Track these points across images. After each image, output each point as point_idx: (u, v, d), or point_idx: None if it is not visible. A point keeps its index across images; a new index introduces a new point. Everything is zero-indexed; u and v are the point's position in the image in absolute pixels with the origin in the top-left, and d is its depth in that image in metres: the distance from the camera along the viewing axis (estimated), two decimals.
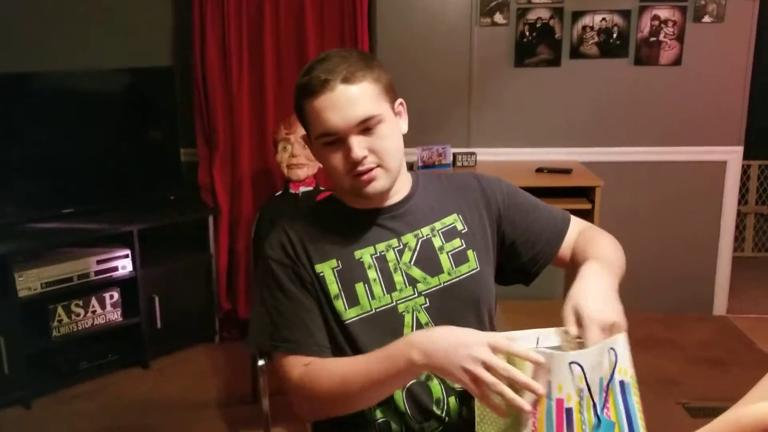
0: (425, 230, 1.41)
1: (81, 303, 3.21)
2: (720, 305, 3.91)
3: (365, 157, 1.29)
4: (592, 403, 1.13)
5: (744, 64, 3.64)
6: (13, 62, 3.38)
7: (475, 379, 1.08)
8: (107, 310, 3.29)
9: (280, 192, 3.16)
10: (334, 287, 1.34)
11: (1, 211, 3.16)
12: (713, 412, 3.18)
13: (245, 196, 3.61)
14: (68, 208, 3.30)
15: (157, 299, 3.37)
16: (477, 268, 1.41)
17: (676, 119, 3.70)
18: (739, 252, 4.64)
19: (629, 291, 4.14)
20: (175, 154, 3.63)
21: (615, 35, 3.60)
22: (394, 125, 1.36)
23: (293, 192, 3.06)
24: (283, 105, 3.51)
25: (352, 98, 1.28)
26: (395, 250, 1.38)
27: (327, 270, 1.35)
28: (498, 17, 3.59)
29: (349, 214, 1.41)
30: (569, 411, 1.13)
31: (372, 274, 1.35)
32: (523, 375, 1.08)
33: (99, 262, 3.23)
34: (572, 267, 1.46)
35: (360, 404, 1.29)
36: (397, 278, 1.36)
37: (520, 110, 3.71)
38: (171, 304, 3.44)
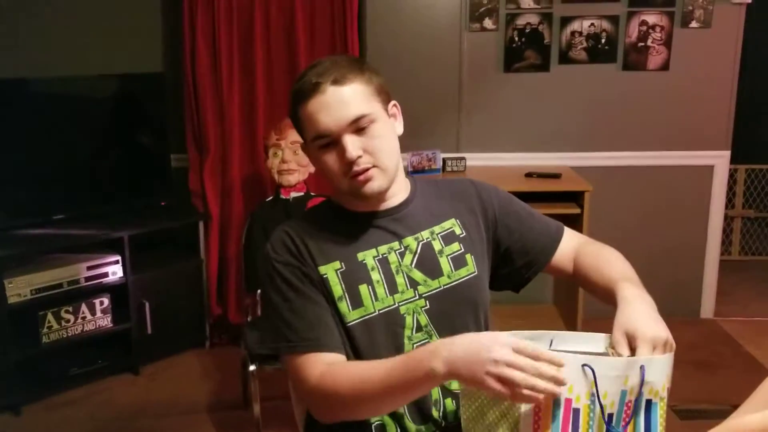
0: (425, 233, 1.43)
1: (71, 309, 3.20)
2: (707, 308, 3.94)
3: (360, 157, 1.31)
4: (601, 411, 1.14)
5: (731, 69, 3.68)
6: (3, 68, 3.37)
7: (503, 381, 1.06)
8: (97, 316, 3.28)
9: (270, 197, 3.17)
10: (338, 289, 1.34)
11: None
12: (701, 415, 3.23)
13: (236, 201, 3.61)
14: (58, 214, 3.30)
15: (147, 305, 3.37)
16: (475, 272, 1.43)
17: (663, 124, 3.73)
18: (726, 255, 4.68)
19: None
20: (165, 159, 3.63)
21: (603, 41, 3.63)
22: (388, 125, 1.37)
23: (284, 198, 3.07)
24: (273, 111, 3.52)
25: (343, 99, 1.30)
26: (397, 252, 1.39)
27: (330, 272, 1.35)
28: (487, 23, 3.62)
29: (348, 217, 1.43)
30: (576, 411, 1.14)
31: (375, 275, 1.36)
32: (550, 367, 1.07)
33: (89, 268, 3.22)
34: (578, 281, 1.49)
35: (379, 410, 1.29)
36: (399, 280, 1.37)
37: (510, 115, 3.73)
38: (161, 310, 3.44)
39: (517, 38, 3.63)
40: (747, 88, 4.44)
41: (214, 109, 3.53)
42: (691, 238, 3.87)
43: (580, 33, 3.62)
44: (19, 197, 3.23)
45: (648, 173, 3.78)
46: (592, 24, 3.61)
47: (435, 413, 1.36)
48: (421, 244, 1.41)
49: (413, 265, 1.39)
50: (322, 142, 1.32)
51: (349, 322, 1.34)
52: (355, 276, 1.36)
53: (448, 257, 1.42)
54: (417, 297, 1.38)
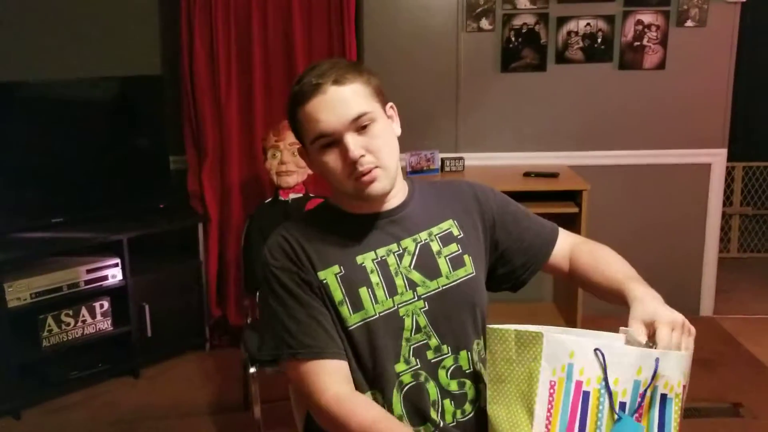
0: (423, 235, 1.43)
1: (71, 313, 3.20)
2: (706, 306, 3.95)
3: (363, 156, 1.30)
4: (609, 396, 1.17)
5: (726, 67, 3.69)
6: (1, 71, 3.37)
7: None
8: (97, 320, 3.28)
9: (269, 199, 3.17)
10: (338, 293, 1.35)
11: None
12: (701, 413, 3.24)
13: (234, 203, 3.62)
14: (57, 217, 3.29)
15: (147, 308, 3.37)
16: (473, 272, 1.44)
17: (660, 123, 3.74)
18: (724, 253, 4.69)
19: None
20: (164, 161, 3.63)
21: (599, 40, 3.64)
22: (388, 126, 1.38)
23: (283, 199, 3.07)
24: (271, 112, 3.52)
25: (344, 98, 1.31)
26: (395, 254, 1.40)
27: (330, 276, 1.35)
28: (484, 23, 3.63)
29: (347, 220, 1.43)
30: (586, 394, 1.17)
31: (375, 278, 1.37)
32: None
33: (89, 271, 3.22)
34: (575, 280, 1.50)
35: None
36: (398, 282, 1.38)
37: (507, 115, 3.74)
38: (161, 313, 3.44)
39: (513, 38, 3.64)
40: (743, 86, 4.46)
41: (212, 110, 3.53)
42: (689, 236, 3.88)
43: (577, 33, 3.63)
44: (18, 201, 3.23)
45: (645, 172, 3.79)
46: (588, 24, 3.62)
47: (433, 414, 1.36)
48: (419, 245, 1.42)
49: (412, 267, 1.39)
50: (324, 142, 1.32)
51: (350, 326, 1.34)
52: (354, 279, 1.36)
53: (447, 258, 1.42)
54: (416, 298, 1.38)
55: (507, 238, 1.51)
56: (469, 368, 1.41)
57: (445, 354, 1.38)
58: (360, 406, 1.29)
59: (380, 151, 1.33)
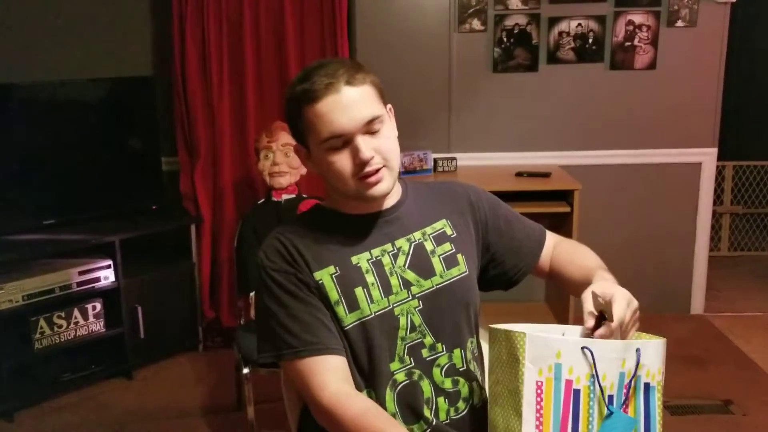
0: (417, 234, 1.44)
1: (63, 314, 3.19)
2: (697, 304, 3.98)
3: (372, 158, 1.31)
4: (600, 392, 1.18)
5: (716, 67, 3.71)
6: None
7: None
8: (90, 321, 3.28)
9: (262, 200, 3.17)
10: (334, 293, 1.35)
11: None
12: (692, 410, 3.26)
13: (227, 204, 3.62)
14: (49, 219, 3.29)
15: (140, 309, 3.37)
16: (466, 271, 1.45)
17: (651, 122, 3.76)
18: (715, 252, 4.72)
19: None
20: (156, 163, 3.62)
21: (591, 40, 3.66)
22: (392, 127, 1.39)
23: (275, 200, 3.07)
24: (264, 113, 3.52)
25: (357, 99, 1.31)
26: (390, 254, 1.41)
27: (326, 277, 1.36)
28: (476, 23, 3.64)
29: (341, 221, 1.43)
30: (577, 392, 1.19)
31: (370, 278, 1.37)
32: None
33: (81, 273, 3.22)
34: (554, 277, 1.53)
35: None
36: (393, 281, 1.38)
37: (499, 115, 3.75)
38: (154, 314, 3.43)
39: (505, 39, 3.65)
40: (733, 86, 4.49)
41: (204, 111, 3.53)
42: (680, 234, 3.90)
43: (568, 33, 3.65)
44: (10, 203, 3.22)
45: (636, 171, 3.81)
46: (580, 24, 3.64)
47: (427, 412, 1.37)
48: (413, 245, 1.43)
49: (406, 266, 1.40)
50: (336, 143, 1.31)
51: (346, 326, 1.35)
52: (349, 279, 1.36)
53: (440, 257, 1.43)
54: (410, 297, 1.39)
55: (498, 240, 1.53)
56: (463, 366, 1.42)
57: (440, 352, 1.39)
58: (355, 403, 1.29)
59: (388, 152, 1.34)
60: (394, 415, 1.35)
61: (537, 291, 3.94)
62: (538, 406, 1.18)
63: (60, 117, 3.37)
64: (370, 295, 1.36)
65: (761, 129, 5.97)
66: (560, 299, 3.55)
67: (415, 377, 1.37)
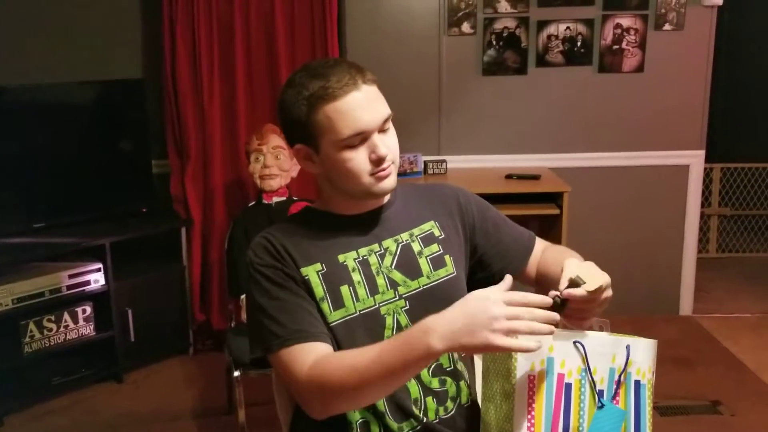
0: (404, 236, 1.45)
1: (53, 318, 3.18)
2: (686, 306, 4.00)
3: (387, 155, 1.34)
4: (592, 385, 1.21)
5: (704, 70, 3.74)
6: None
7: (508, 334, 1.08)
8: (80, 325, 3.27)
9: (253, 203, 3.18)
10: (319, 290, 1.36)
11: None
12: (680, 410, 3.28)
13: (218, 207, 3.61)
14: (39, 222, 3.28)
15: (130, 312, 3.36)
16: (454, 272, 1.46)
17: (639, 125, 3.79)
18: (703, 253, 4.75)
19: None
20: (146, 165, 3.62)
21: (579, 43, 3.68)
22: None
23: (266, 202, 3.08)
24: (254, 116, 3.53)
25: (375, 97, 1.33)
26: (377, 254, 1.41)
27: (312, 273, 1.36)
28: (465, 27, 3.65)
29: (329, 221, 1.44)
30: (569, 386, 1.21)
31: (356, 276, 1.38)
32: (542, 310, 1.10)
33: (71, 276, 3.21)
34: (540, 281, 1.52)
35: (373, 395, 1.27)
36: (380, 281, 1.39)
37: (489, 118, 3.77)
38: (144, 317, 3.43)
39: (494, 42, 3.67)
40: (720, 89, 4.53)
41: (194, 114, 3.53)
42: (668, 236, 3.93)
43: (557, 36, 3.67)
44: None
45: (625, 173, 3.84)
46: (568, 27, 3.66)
47: (416, 411, 1.38)
48: (400, 245, 1.44)
49: (393, 267, 1.41)
50: (354, 141, 1.32)
51: (331, 323, 1.35)
52: (336, 277, 1.37)
53: (428, 258, 1.44)
54: (397, 298, 1.40)
55: (486, 243, 1.53)
56: (450, 366, 1.43)
57: None
58: (333, 361, 1.25)
59: (396, 150, 1.38)
60: (383, 414, 1.36)
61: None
62: (530, 400, 1.20)
63: (50, 120, 3.36)
64: (356, 294, 1.37)
65: (748, 131, 6.03)
66: None
67: None
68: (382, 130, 1.34)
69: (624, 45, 3.68)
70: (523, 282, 1.58)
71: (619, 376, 1.22)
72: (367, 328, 1.37)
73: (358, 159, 1.33)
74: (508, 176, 3.53)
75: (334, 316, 1.36)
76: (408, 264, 1.42)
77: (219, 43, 3.49)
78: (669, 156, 3.83)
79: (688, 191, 3.88)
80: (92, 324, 3.31)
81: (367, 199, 1.41)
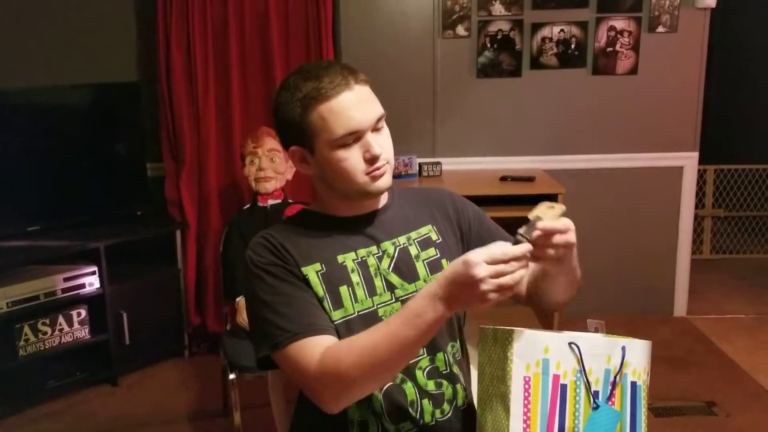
0: (402, 239, 1.46)
1: (48, 321, 3.18)
2: (680, 307, 4.02)
3: (381, 154, 1.34)
4: (587, 386, 1.21)
5: (697, 72, 3.76)
6: None
7: (498, 291, 1.13)
8: (75, 328, 3.26)
9: (248, 205, 3.17)
10: (319, 289, 1.36)
11: None
12: (675, 412, 3.29)
13: (213, 210, 3.61)
14: (34, 225, 3.28)
15: (125, 315, 3.35)
16: None
17: (633, 127, 3.80)
18: (697, 254, 4.77)
19: (591, 295, 4.22)
20: (141, 168, 3.62)
21: (573, 46, 3.69)
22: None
23: (261, 205, 3.08)
24: (249, 118, 3.53)
25: (368, 97, 1.35)
26: (375, 256, 1.42)
27: (311, 273, 1.36)
28: (460, 29, 3.66)
29: (327, 222, 1.44)
30: (564, 387, 1.21)
31: (355, 277, 1.38)
32: (522, 256, 1.16)
33: (66, 279, 3.20)
34: (530, 291, 1.48)
35: (388, 374, 1.27)
36: (378, 283, 1.40)
37: (484, 120, 3.78)
38: (139, 320, 3.42)
39: (489, 44, 3.68)
40: (713, 91, 4.55)
41: (189, 117, 3.53)
42: (662, 238, 3.94)
43: (551, 39, 3.68)
44: None
45: (619, 175, 3.85)
46: (562, 30, 3.68)
47: (412, 413, 1.38)
48: (398, 248, 1.44)
49: (391, 269, 1.42)
50: (348, 140, 1.33)
51: (333, 322, 1.36)
52: (335, 277, 1.37)
53: (425, 262, 1.45)
54: (394, 300, 1.40)
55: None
56: (446, 369, 1.43)
57: (421, 355, 1.40)
58: (343, 348, 1.25)
59: (389, 150, 1.39)
60: (380, 415, 1.36)
61: None
62: (526, 401, 1.20)
63: (45, 123, 3.36)
64: (355, 294, 1.38)
65: (742, 133, 6.05)
66: None
67: (398, 380, 1.38)
68: (375, 129, 1.35)
69: (618, 47, 3.70)
70: (516, 297, 1.54)
71: (615, 377, 1.22)
72: (365, 328, 1.36)
73: (353, 158, 1.34)
74: (503, 178, 3.53)
75: (335, 316, 1.36)
76: (405, 268, 1.42)
77: (214, 46, 3.49)
78: (663, 158, 3.85)
79: (682, 193, 3.89)
80: (87, 327, 3.30)
81: (362, 199, 1.41)
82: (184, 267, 3.61)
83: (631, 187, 3.87)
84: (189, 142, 3.54)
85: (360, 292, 1.38)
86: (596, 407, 1.21)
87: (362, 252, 1.42)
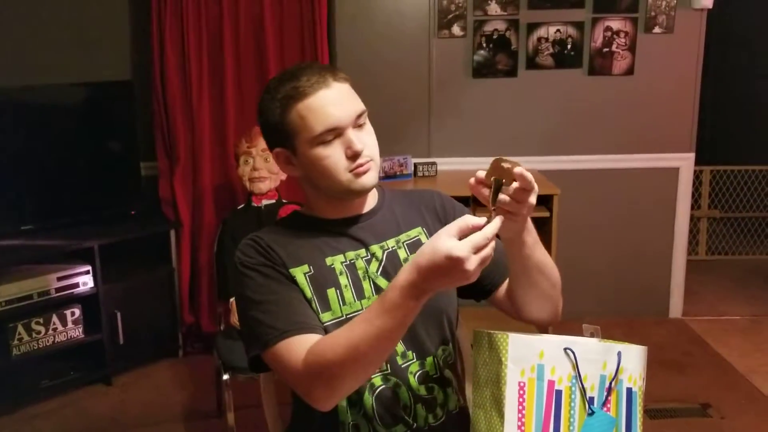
0: (390, 242, 1.45)
1: (42, 321, 3.17)
2: (676, 308, 4.01)
3: (363, 149, 1.34)
4: (582, 392, 1.20)
5: (693, 73, 3.76)
6: None
7: (483, 262, 1.09)
8: (68, 327, 3.25)
9: (242, 205, 3.17)
10: (307, 291, 1.35)
11: None
12: (670, 414, 3.29)
13: (207, 209, 3.60)
14: (27, 224, 3.27)
15: (119, 315, 3.34)
16: None
17: (629, 127, 3.80)
18: (693, 255, 4.77)
19: (587, 296, 4.22)
20: (135, 167, 3.61)
21: (569, 46, 3.69)
22: (370, 125, 1.41)
23: (255, 205, 3.07)
24: (243, 118, 3.52)
25: (347, 94, 1.35)
26: (363, 259, 1.41)
27: (299, 274, 1.36)
28: (455, 29, 3.66)
29: (317, 225, 1.44)
30: (559, 393, 1.20)
31: (343, 280, 1.38)
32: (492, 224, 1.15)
33: (59, 278, 3.19)
34: (510, 292, 1.47)
35: (372, 366, 1.24)
36: (366, 286, 1.39)
37: (479, 120, 3.77)
38: (133, 320, 3.41)
39: (485, 44, 3.67)
40: (710, 92, 4.54)
41: (183, 116, 3.52)
42: (658, 239, 3.94)
43: (547, 39, 3.68)
44: None
45: (615, 176, 3.85)
46: (558, 30, 3.67)
47: (406, 418, 1.38)
48: (386, 252, 1.43)
49: (379, 273, 1.41)
50: (328, 137, 1.32)
51: (324, 324, 1.35)
52: (323, 280, 1.37)
53: None
54: None
55: None
56: (437, 373, 1.42)
57: (411, 360, 1.40)
58: (327, 343, 1.23)
59: (373, 147, 1.38)
60: (372, 418, 1.36)
61: None
62: (521, 407, 1.19)
63: (38, 121, 3.35)
64: (343, 297, 1.37)
65: (738, 134, 6.06)
66: None
67: (391, 384, 1.37)
68: (357, 126, 1.35)
69: (614, 48, 3.69)
70: (498, 302, 1.53)
71: (610, 383, 1.21)
72: None
73: (335, 156, 1.33)
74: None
75: (323, 318, 1.35)
76: (394, 271, 1.41)
77: (208, 45, 3.48)
78: (659, 158, 3.84)
79: (677, 194, 3.89)
80: (81, 326, 3.29)
81: (348, 197, 1.40)
82: (178, 266, 3.60)
83: (627, 188, 3.86)
84: (183, 141, 3.53)
85: (348, 295, 1.37)
86: (591, 413, 1.20)
87: (351, 255, 1.41)
